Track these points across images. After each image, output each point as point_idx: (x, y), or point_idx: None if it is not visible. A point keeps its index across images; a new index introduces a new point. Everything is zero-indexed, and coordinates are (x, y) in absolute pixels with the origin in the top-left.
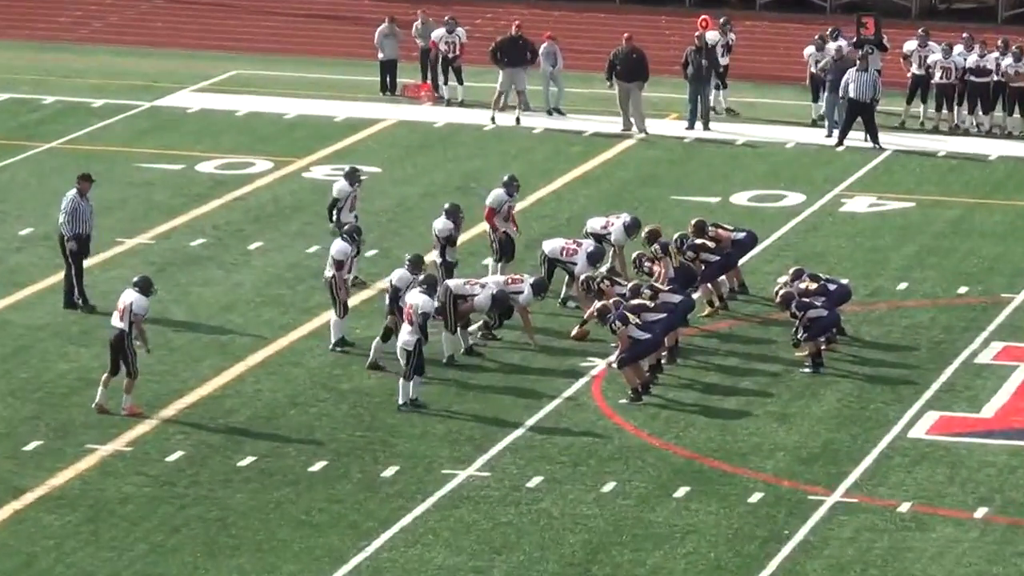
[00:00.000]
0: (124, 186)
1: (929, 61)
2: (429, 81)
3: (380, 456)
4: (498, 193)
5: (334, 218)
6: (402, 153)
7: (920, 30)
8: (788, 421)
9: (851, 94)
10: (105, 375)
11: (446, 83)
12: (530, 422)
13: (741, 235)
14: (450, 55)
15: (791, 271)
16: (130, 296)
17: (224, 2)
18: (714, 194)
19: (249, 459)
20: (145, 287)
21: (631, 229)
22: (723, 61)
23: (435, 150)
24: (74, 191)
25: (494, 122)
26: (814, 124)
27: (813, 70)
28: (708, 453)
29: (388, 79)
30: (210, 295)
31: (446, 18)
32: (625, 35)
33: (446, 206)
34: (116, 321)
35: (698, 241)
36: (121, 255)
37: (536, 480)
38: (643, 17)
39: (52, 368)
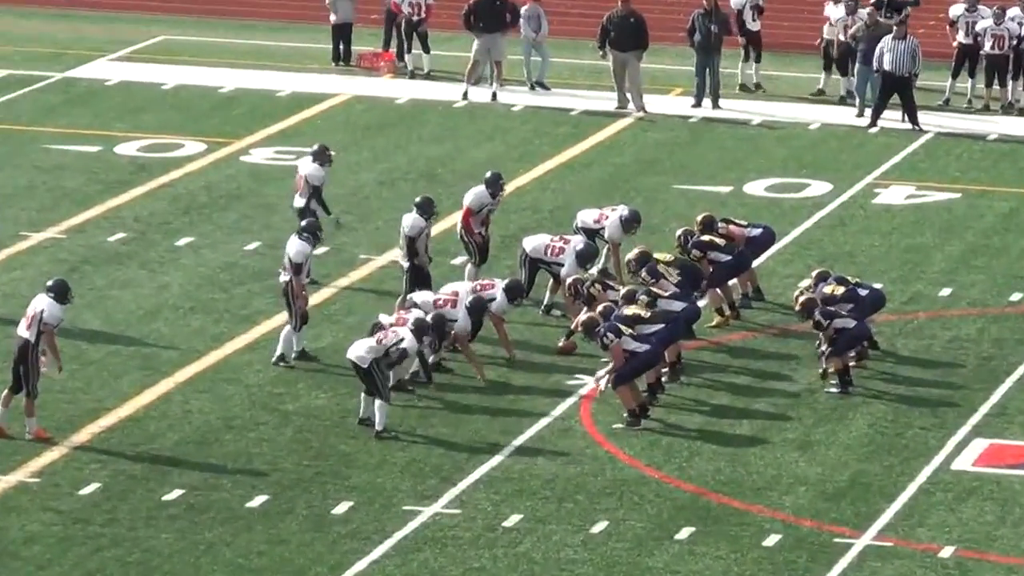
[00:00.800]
0: (30, 171)
1: (978, 28)
2: (391, 50)
3: (330, 490)
4: (479, 193)
5: (329, 211)
6: (357, 134)
7: None
8: (811, 450)
9: (886, 66)
10: (6, 392)
11: (410, 51)
12: (507, 450)
13: (756, 231)
14: (415, 19)
15: (814, 274)
16: (42, 302)
17: None
18: (725, 183)
19: (176, 492)
20: (61, 293)
21: (629, 224)
22: (753, 27)
23: (396, 130)
24: None
25: (466, 97)
26: (843, 102)
27: (841, 36)
28: (716, 487)
29: (342, 47)
30: (131, 300)
31: None
32: None
33: (417, 200)
34: (23, 330)
35: (706, 238)
36: (26, 252)
37: (514, 519)
38: None
39: None
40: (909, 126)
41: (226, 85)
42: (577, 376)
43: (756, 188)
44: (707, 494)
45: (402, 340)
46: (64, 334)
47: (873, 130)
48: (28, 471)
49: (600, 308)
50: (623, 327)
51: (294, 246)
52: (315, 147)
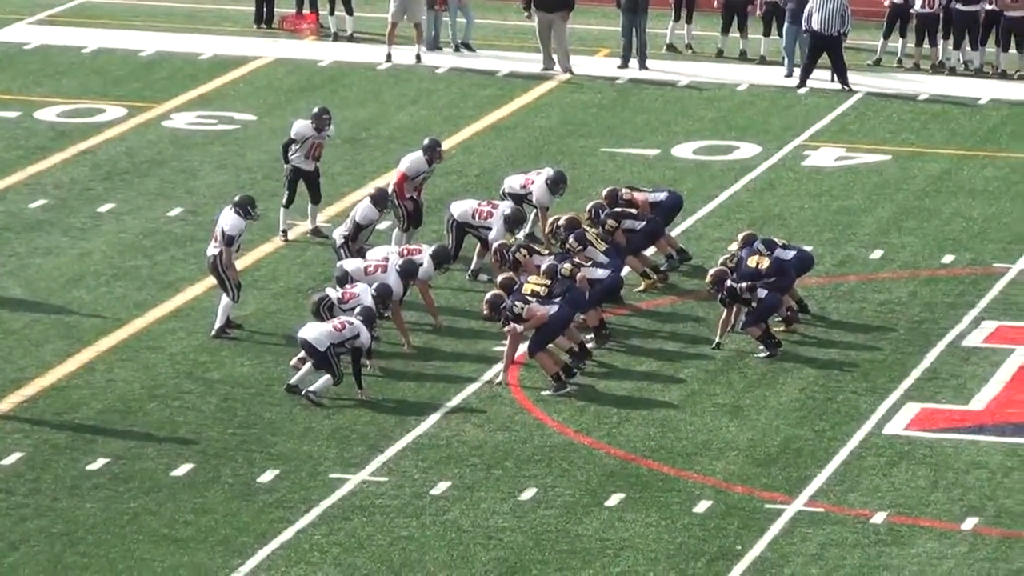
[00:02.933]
0: None
1: None
2: (310, 11)
3: (256, 458)
4: (416, 159)
5: (289, 159)
6: (280, 97)
7: None
8: (741, 415)
9: (815, 26)
10: None
11: (332, 13)
12: (434, 417)
13: (661, 196)
14: None
15: (740, 236)
16: None
17: None
18: (653, 145)
19: (101, 462)
20: None
21: (555, 185)
22: None
23: (320, 93)
24: None
25: (390, 60)
26: (763, 61)
27: None
28: (646, 453)
29: (264, 9)
30: (52, 267)
31: None
32: None
33: (372, 192)
34: None
35: (617, 209)
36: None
37: (442, 486)
38: None
39: None
40: (839, 86)
41: (147, 48)
42: (504, 343)
43: (684, 151)
44: (637, 460)
45: (358, 336)
46: None
47: (802, 91)
48: None
49: (500, 279)
50: (528, 297)
51: (228, 219)
52: (316, 109)
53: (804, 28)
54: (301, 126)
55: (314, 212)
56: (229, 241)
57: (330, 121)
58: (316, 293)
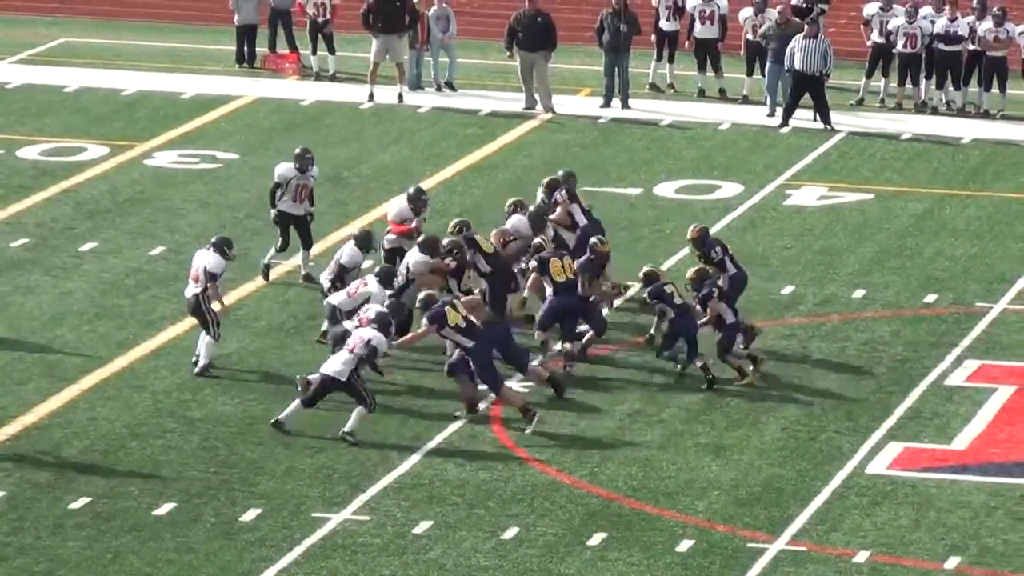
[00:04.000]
0: None
1: (891, 26)
2: (291, 51)
3: (238, 497)
4: (403, 208)
5: (276, 204)
6: (263, 136)
7: None
8: (723, 454)
9: (797, 65)
10: None
11: (314, 52)
12: (417, 456)
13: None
14: (319, 19)
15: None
16: None
17: None
18: (635, 184)
19: (83, 500)
20: None
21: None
22: (667, 26)
23: (302, 132)
24: None
25: (372, 99)
26: (745, 101)
27: (750, 37)
28: (628, 492)
29: (246, 48)
30: (34, 306)
31: None
32: None
33: (356, 233)
34: None
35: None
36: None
37: (424, 525)
38: None
39: None
40: (821, 126)
41: (129, 87)
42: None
43: (666, 190)
44: (619, 499)
45: (370, 340)
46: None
47: (784, 130)
48: None
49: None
50: (454, 311)
51: (210, 258)
52: (297, 150)
53: (786, 68)
54: (284, 168)
55: (305, 258)
56: (212, 278)
57: (313, 161)
58: (334, 328)
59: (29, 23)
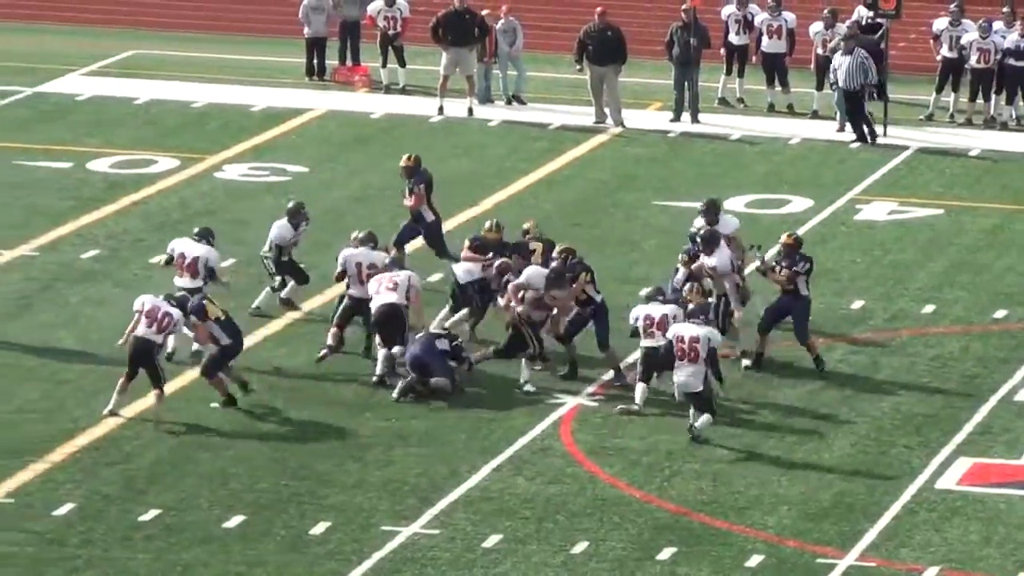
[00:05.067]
0: (1, 188)
1: (963, 42)
2: (357, 63)
3: (308, 510)
4: (280, 225)
5: (273, 270)
6: (332, 150)
7: (952, 4)
8: (793, 470)
9: (840, 83)
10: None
11: (384, 65)
12: (486, 470)
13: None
14: (390, 32)
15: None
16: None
17: None
18: (704, 198)
19: (152, 513)
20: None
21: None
22: (737, 40)
23: (372, 146)
24: None
25: (442, 112)
26: (815, 116)
27: (820, 51)
28: (698, 507)
29: (316, 60)
30: (105, 317)
31: None
32: (598, 9)
33: (288, 207)
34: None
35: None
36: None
37: (494, 539)
38: None
39: None
40: (883, 141)
41: (199, 100)
42: (556, 395)
43: (736, 204)
44: (689, 514)
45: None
46: (38, 352)
47: (855, 145)
48: (2, 492)
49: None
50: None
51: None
52: (289, 205)
53: (831, 82)
54: (281, 229)
55: (295, 289)
56: (211, 273)
57: (307, 215)
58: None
59: (100, 35)
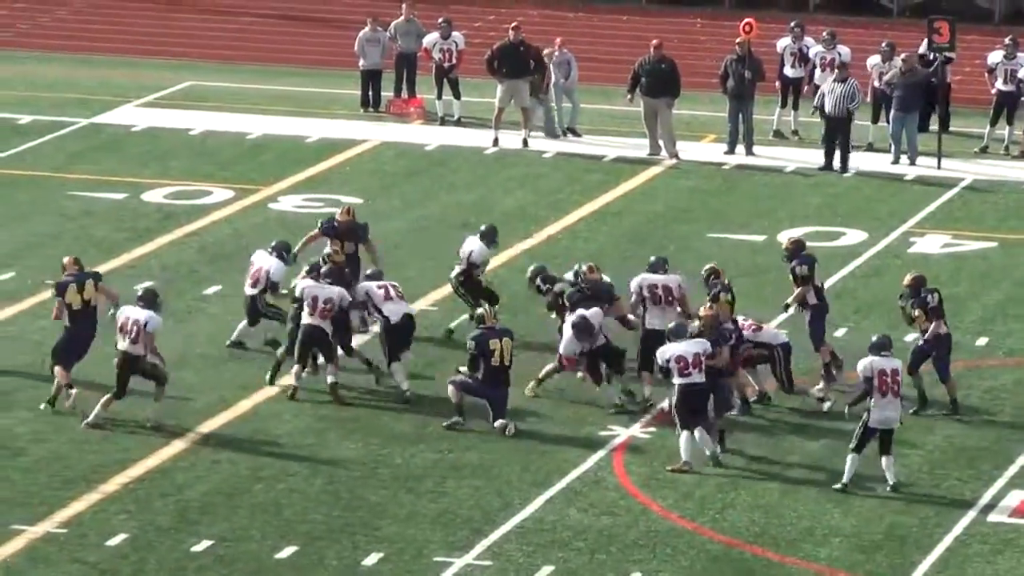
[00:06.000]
0: (55, 218)
1: (1020, 75)
2: (416, 96)
3: (361, 541)
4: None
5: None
6: (387, 181)
7: (1007, 38)
8: (845, 502)
9: (827, 109)
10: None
11: (440, 97)
12: (539, 501)
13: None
14: (445, 64)
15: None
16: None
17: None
18: (759, 231)
19: (205, 543)
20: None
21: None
22: (791, 73)
23: (426, 177)
24: None
25: (497, 144)
26: (870, 148)
27: (877, 84)
28: (750, 539)
29: (371, 92)
30: (158, 348)
31: (440, 20)
32: (653, 42)
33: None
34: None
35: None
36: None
37: (546, 570)
38: (674, 20)
39: None
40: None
41: (254, 131)
42: (609, 427)
43: (791, 236)
44: (741, 546)
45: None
46: (89, 383)
47: (908, 177)
48: (55, 522)
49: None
50: None
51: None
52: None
53: (814, 107)
54: (479, 247)
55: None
56: (274, 286)
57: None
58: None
59: (155, 66)
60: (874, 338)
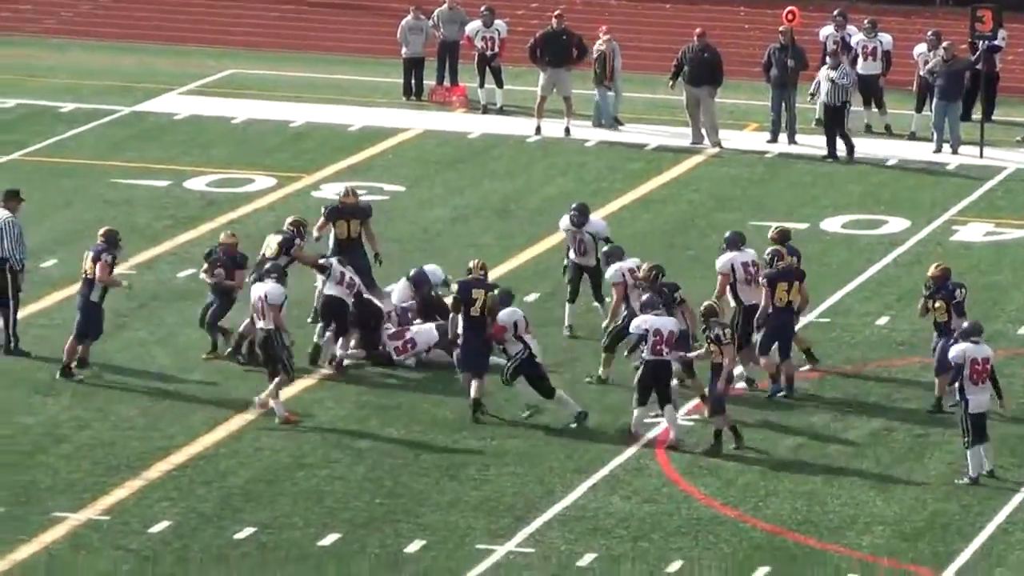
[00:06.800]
0: (98, 205)
1: None
2: (461, 84)
3: (403, 528)
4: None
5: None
6: (429, 169)
7: None
8: (888, 489)
9: (823, 98)
10: None
11: (482, 86)
12: (581, 489)
13: None
14: (488, 53)
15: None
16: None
17: None
18: (802, 219)
19: (248, 531)
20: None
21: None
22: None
23: (468, 165)
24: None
25: (539, 132)
26: (912, 137)
27: (922, 72)
28: (793, 526)
29: (413, 80)
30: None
31: (482, 9)
32: (696, 30)
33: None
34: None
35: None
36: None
37: (589, 558)
38: (717, 8)
39: (12, 422)
40: (834, 157)
41: (296, 119)
42: (651, 414)
43: (833, 225)
44: (783, 533)
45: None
46: (134, 372)
47: (950, 166)
48: (98, 509)
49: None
50: None
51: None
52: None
53: (811, 93)
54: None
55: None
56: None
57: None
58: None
59: (197, 54)
60: (966, 324)
